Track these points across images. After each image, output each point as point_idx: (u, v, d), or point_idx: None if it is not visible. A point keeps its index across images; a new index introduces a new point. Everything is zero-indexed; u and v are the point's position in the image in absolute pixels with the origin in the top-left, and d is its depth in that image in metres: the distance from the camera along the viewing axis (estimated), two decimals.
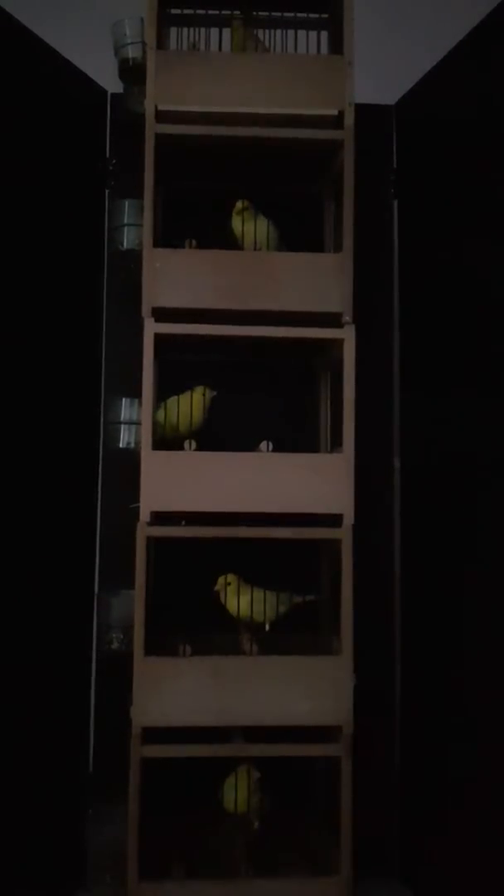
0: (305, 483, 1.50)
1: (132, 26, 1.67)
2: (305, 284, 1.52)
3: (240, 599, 1.57)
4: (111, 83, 1.78)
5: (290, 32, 1.71)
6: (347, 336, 1.53)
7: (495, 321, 1.47)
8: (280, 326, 1.53)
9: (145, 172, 1.52)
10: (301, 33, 1.71)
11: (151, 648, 1.48)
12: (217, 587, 1.58)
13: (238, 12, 1.68)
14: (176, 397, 1.62)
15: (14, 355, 1.53)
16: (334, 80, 1.55)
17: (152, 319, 1.51)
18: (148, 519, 1.49)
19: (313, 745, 1.54)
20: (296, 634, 1.64)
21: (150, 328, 1.51)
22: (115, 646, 1.63)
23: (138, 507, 1.49)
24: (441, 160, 1.68)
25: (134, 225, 1.69)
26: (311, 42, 1.69)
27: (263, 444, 1.53)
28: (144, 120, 1.53)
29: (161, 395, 1.64)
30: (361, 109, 1.58)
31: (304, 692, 1.49)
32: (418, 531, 1.74)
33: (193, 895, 1.48)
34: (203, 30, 1.71)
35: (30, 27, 1.60)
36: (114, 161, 1.82)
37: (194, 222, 1.63)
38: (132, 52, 1.68)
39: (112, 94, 1.82)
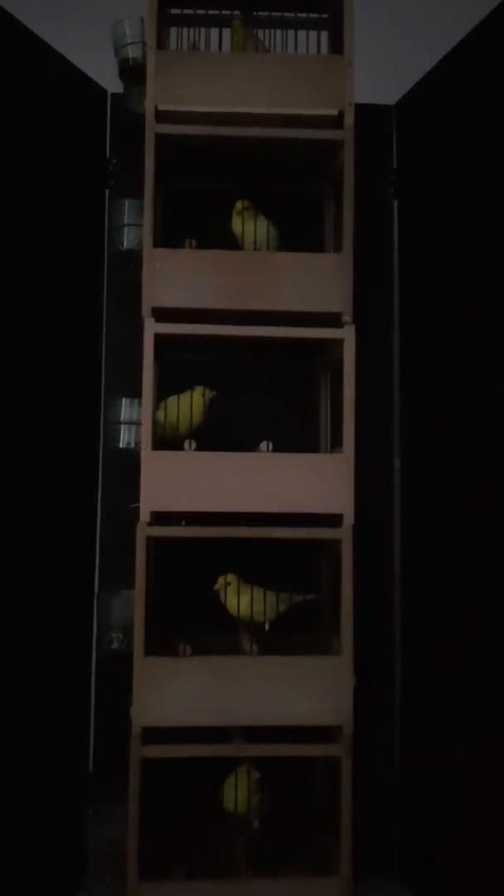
0: (305, 483, 1.50)
1: (132, 26, 1.67)
2: (305, 284, 1.52)
3: (240, 599, 1.57)
4: (111, 83, 1.78)
5: (290, 32, 1.71)
6: (347, 336, 1.53)
7: (495, 321, 1.47)
8: (280, 326, 1.53)
9: (145, 172, 1.52)
10: (301, 33, 1.71)
11: (151, 648, 1.48)
12: (217, 587, 1.58)
13: (238, 12, 1.68)
14: (176, 397, 1.62)
15: (14, 355, 1.53)
16: (334, 80, 1.55)
17: (152, 319, 1.51)
18: (148, 519, 1.49)
19: (313, 745, 1.54)
20: (296, 634, 1.64)
21: (150, 328, 1.51)
22: (115, 646, 1.63)
23: (138, 507, 1.49)
24: (441, 160, 1.68)
25: (134, 225, 1.69)
26: (311, 42, 1.69)
27: (263, 444, 1.53)
28: (144, 120, 1.53)
29: (161, 395, 1.64)
30: (361, 109, 1.59)
31: (304, 692, 1.49)
32: (418, 531, 1.74)
33: (193, 895, 1.48)
34: (203, 30, 1.71)
35: (30, 27, 1.60)
36: (114, 161, 1.83)
37: (194, 222, 1.63)
38: (132, 52, 1.67)
39: (112, 94, 1.82)
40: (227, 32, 1.69)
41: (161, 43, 1.61)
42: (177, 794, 1.65)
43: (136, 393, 1.55)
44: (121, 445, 1.65)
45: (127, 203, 1.71)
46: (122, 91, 1.76)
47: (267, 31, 1.72)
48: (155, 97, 1.53)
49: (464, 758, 1.51)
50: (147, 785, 1.48)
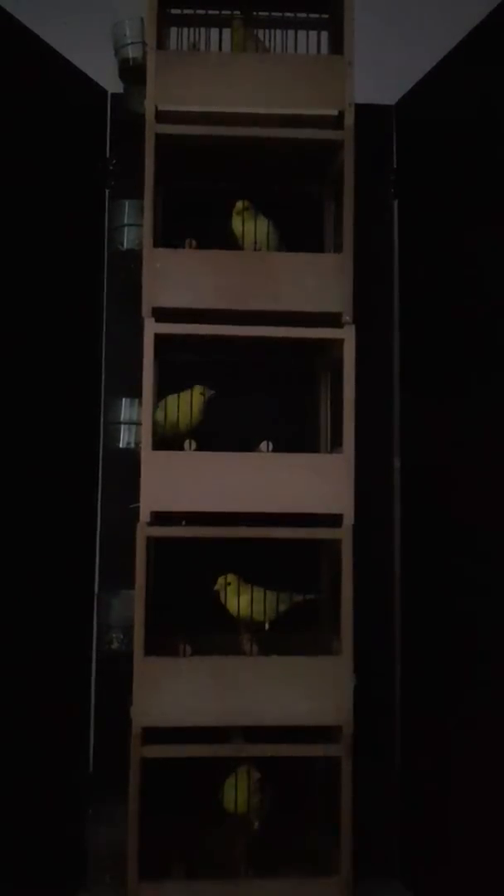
0: (305, 483, 1.50)
1: (132, 26, 1.67)
2: (305, 284, 1.52)
3: (240, 599, 1.57)
4: (111, 83, 1.78)
5: (290, 32, 1.71)
6: (347, 336, 1.53)
7: (495, 321, 1.47)
8: (280, 326, 1.53)
9: (145, 173, 1.52)
10: (301, 33, 1.71)
11: (151, 648, 1.48)
12: (217, 587, 1.59)
13: (238, 12, 1.68)
14: (175, 395, 1.62)
15: (14, 355, 1.53)
16: (334, 81, 1.55)
17: (152, 319, 1.51)
18: (148, 519, 1.49)
19: (313, 745, 1.54)
20: (296, 634, 1.64)
21: (150, 328, 1.51)
22: (115, 646, 1.63)
23: (138, 507, 1.49)
24: (441, 160, 1.68)
25: (134, 225, 1.69)
26: (311, 42, 1.69)
27: (263, 444, 1.53)
28: (144, 120, 1.53)
29: (161, 396, 1.64)
30: (361, 109, 1.59)
31: (304, 692, 1.49)
32: (418, 531, 1.74)
33: (193, 895, 1.48)
34: (203, 30, 1.71)
35: (30, 27, 1.60)
36: (114, 161, 1.82)
37: (194, 222, 1.63)
38: (132, 52, 1.68)
39: (112, 94, 1.82)
40: (227, 32, 1.69)
41: (161, 43, 1.61)
42: (177, 794, 1.65)
43: (136, 393, 1.55)
44: (121, 445, 1.65)
45: (127, 203, 1.71)
46: (122, 91, 1.76)
47: (267, 31, 1.72)
48: (155, 97, 1.53)
49: (464, 758, 1.51)
50: (147, 785, 1.48)
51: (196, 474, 1.50)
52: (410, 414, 1.78)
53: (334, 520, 1.52)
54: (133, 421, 1.64)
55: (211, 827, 1.63)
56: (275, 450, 1.53)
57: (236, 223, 1.61)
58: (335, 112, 1.56)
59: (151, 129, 1.53)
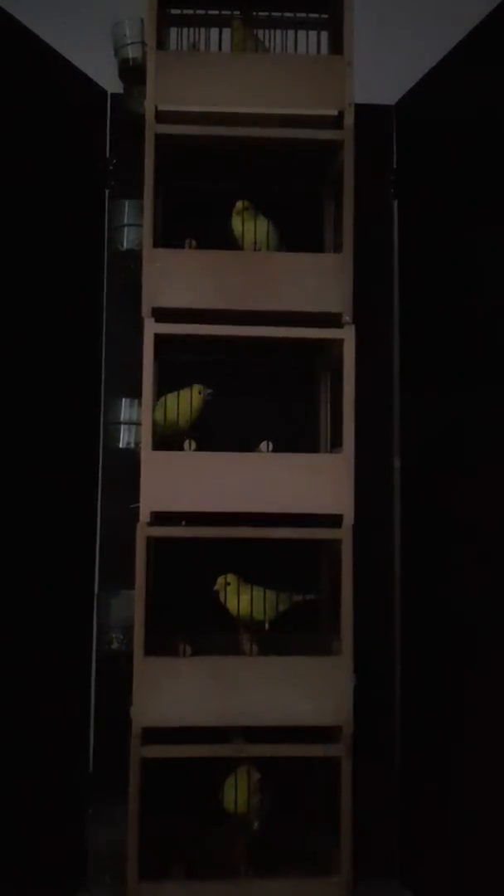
0: (305, 483, 1.50)
1: (132, 26, 1.67)
2: (305, 284, 1.52)
3: (240, 599, 1.57)
4: (111, 83, 1.78)
5: (290, 32, 1.71)
6: (347, 336, 1.53)
7: (495, 321, 1.47)
8: (280, 326, 1.53)
9: (145, 173, 1.52)
10: (301, 33, 1.71)
11: (151, 648, 1.48)
12: (217, 587, 1.59)
13: (238, 12, 1.68)
14: (175, 394, 1.62)
15: (14, 356, 1.53)
16: (334, 81, 1.55)
17: (152, 319, 1.51)
18: (148, 519, 1.49)
19: (313, 746, 1.53)
20: (296, 634, 1.64)
21: (150, 328, 1.51)
22: (115, 646, 1.63)
23: (138, 507, 1.49)
24: (441, 160, 1.68)
25: (134, 225, 1.69)
26: (311, 42, 1.69)
27: (263, 444, 1.53)
28: (144, 120, 1.53)
29: (161, 396, 1.64)
30: (361, 109, 1.58)
31: (304, 692, 1.49)
32: (418, 531, 1.74)
33: (193, 895, 1.48)
34: (203, 30, 1.71)
35: (30, 27, 1.60)
36: (114, 161, 1.82)
37: (194, 222, 1.63)
38: (132, 53, 1.68)
39: (112, 94, 1.81)
40: (227, 32, 1.69)
41: (161, 43, 1.61)
42: (177, 794, 1.65)
43: (136, 393, 1.55)
44: (121, 445, 1.66)
45: (127, 203, 1.71)
46: (122, 91, 1.76)
47: (267, 31, 1.72)
48: (155, 97, 1.53)
49: (464, 758, 1.51)
50: (147, 785, 1.48)
51: (196, 474, 1.50)
52: (410, 414, 1.78)
53: (334, 520, 1.52)
54: (133, 421, 1.64)
55: (211, 827, 1.63)
56: (275, 450, 1.53)
57: (236, 223, 1.61)
58: (335, 112, 1.56)
59: (151, 129, 1.53)
